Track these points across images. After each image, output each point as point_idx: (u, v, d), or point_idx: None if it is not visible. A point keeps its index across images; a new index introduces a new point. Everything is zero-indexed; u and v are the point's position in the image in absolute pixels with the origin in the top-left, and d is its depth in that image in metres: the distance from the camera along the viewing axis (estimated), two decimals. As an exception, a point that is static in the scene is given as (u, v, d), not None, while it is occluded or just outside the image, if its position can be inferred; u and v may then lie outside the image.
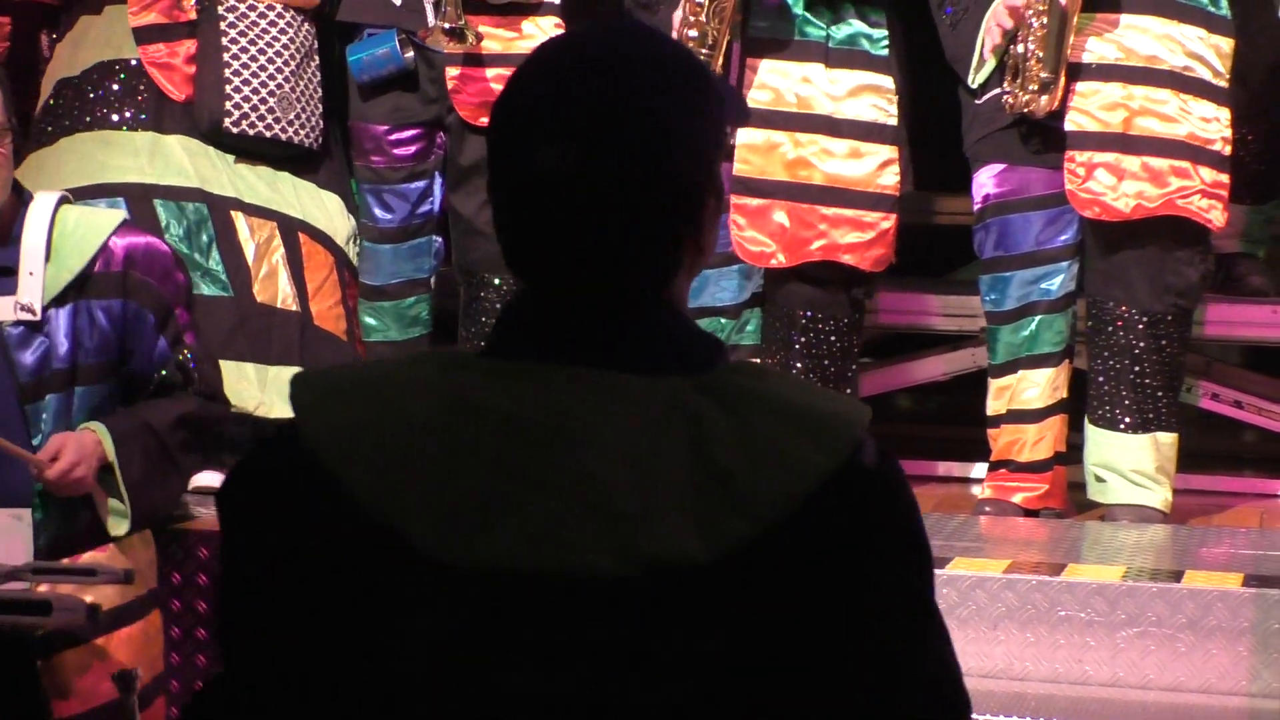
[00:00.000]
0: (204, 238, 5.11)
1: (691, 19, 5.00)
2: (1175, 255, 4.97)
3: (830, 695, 1.87)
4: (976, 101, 5.06)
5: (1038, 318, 5.05)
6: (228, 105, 5.14)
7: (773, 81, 5.11)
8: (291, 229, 5.18)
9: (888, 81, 5.14)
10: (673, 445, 1.83)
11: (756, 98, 5.10)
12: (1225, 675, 4.33)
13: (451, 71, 5.11)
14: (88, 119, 5.18)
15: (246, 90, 5.16)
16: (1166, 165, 4.90)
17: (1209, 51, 4.95)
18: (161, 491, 3.84)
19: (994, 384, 5.18)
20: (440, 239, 5.38)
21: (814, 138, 5.10)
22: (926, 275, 5.94)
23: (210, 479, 4.51)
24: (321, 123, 5.31)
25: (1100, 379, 5.05)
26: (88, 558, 3.79)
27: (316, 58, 5.31)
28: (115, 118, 5.18)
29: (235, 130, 5.15)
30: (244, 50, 5.17)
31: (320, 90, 5.33)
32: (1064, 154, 4.95)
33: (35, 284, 3.81)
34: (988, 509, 5.19)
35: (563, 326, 1.92)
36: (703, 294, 5.16)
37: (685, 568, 1.79)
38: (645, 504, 1.81)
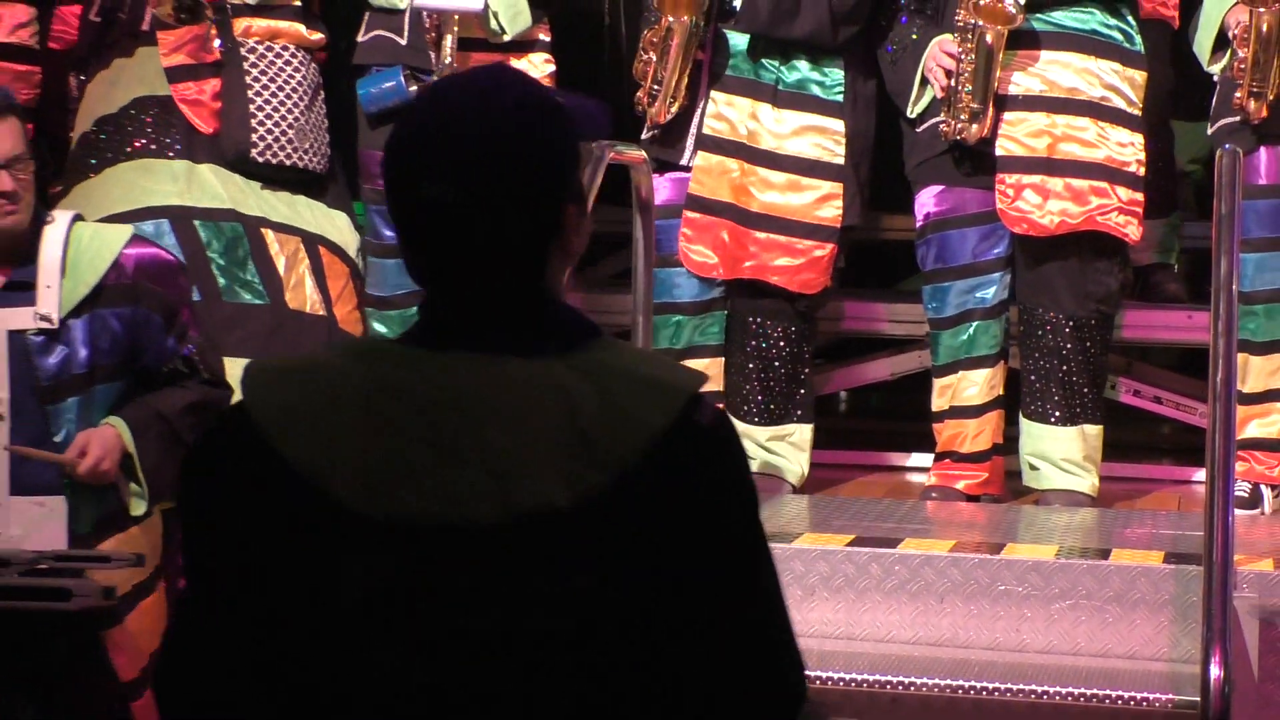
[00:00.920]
0: (240, 252, 5.11)
1: (648, 57, 5.07)
2: (1096, 266, 5.00)
3: (679, 623, 1.99)
4: (915, 130, 5.09)
5: (975, 324, 5.08)
6: (254, 138, 5.16)
7: (728, 114, 5.14)
8: (313, 243, 5.20)
9: (836, 124, 5.14)
10: (545, 413, 1.97)
11: (714, 125, 5.14)
12: (1149, 643, 4.34)
13: None
14: (128, 149, 5.17)
15: (269, 124, 5.18)
16: (1087, 185, 4.93)
17: (1124, 84, 4.98)
18: (174, 473, 3.83)
19: (937, 383, 5.22)
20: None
21: (755, 169, 5.12)
22: (877, 285, 5.92)
23: None
24: (329, 150, 5.31)
25: (1032, 378, 5.09)
26: (104, 546, 3.79)
27: (322, 92, 5.31)
28: (153, 148, 5.17)
29: (260, 159, 5.17)
30: (265, 88, 5.19)
31: (326, 120, 5.33)
32: (995, 176, 4.96)
33: (53, 296, 3.80)
34: (934, 495, 5.22)
35: (458, 322, 2.07)
36: (662, 292, 5.15)
37: (551, 514, 1.92)
38: (521, 463, 1.95)
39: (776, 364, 5.16)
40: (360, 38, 5.34)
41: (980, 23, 4.85)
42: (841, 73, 5.15)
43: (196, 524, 2.11)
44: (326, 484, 1.99)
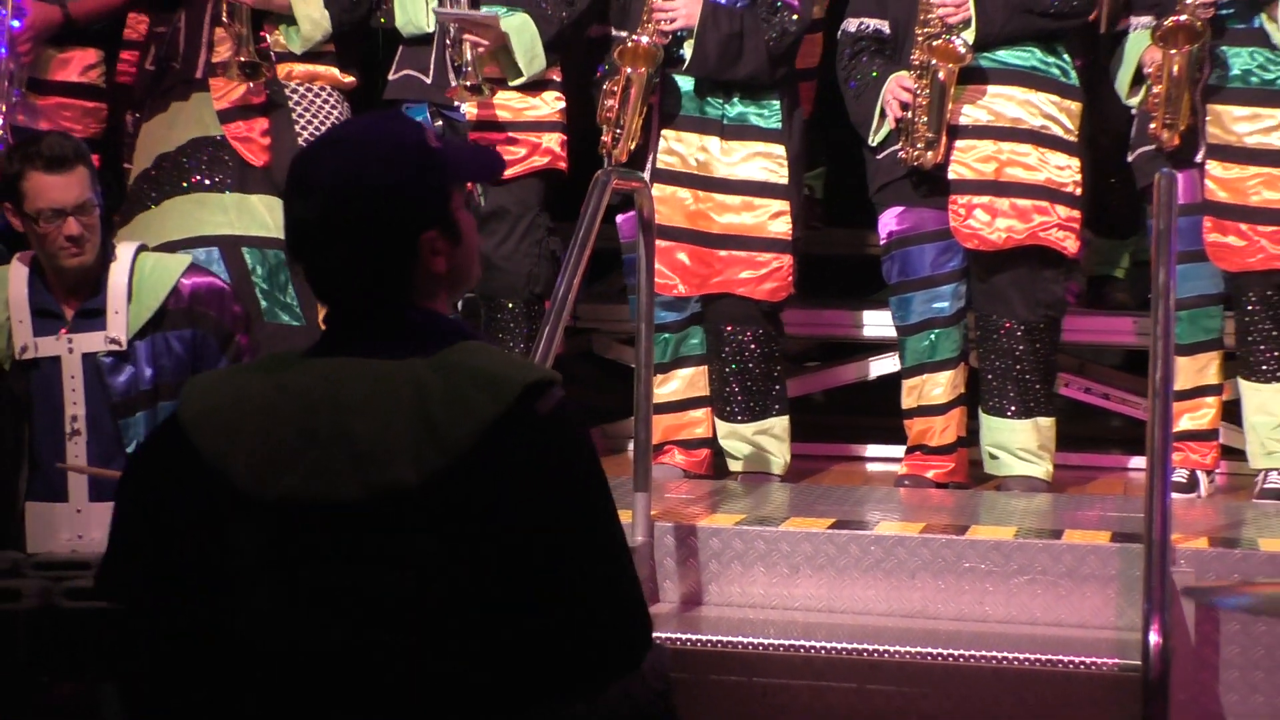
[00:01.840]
0: (281, 278, 5.13)
1: (610, 102, 5.07)
2: (1043, 276, 5.01)
3: (523, 583, 2.04)
4: (877, 158, 5.09)
5: (936, 331, 5.10)
6: None
7: (678, 149, 5.15)
8: None
9: (778, 149, 5.13)
10: (399, 405, 2.03)
11: (666, 160, 5.15)
12: (1097, 613, 4.35)
13: (472, 134, 5.09)
14: (184, 184, 5.18)
15: None
16: (1030, 205, 4.94)
17: (1062, 114, 4.99)
18: None
19: (906, 384, 5.22)
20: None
21: (710, 195, 5.12)
22: (854, 296, 5.91)
23: None
24: None
25: (990, 377, 5.09)
26: None
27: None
28: (208, 182, 5.18)
29: None
30: (309, 124, 5.22)
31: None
32: (949, 197, 4.97)
33: (120, 320, 3.81)
34: (906, 483, 5.23)
35: (337, 332, 2.16)
36: (664, 317, 5.16)
37: (403, 491, 2.00)
38: (380, 449, 2.02)
39: (751, 365, 5.16)
40: (391, 76, 5.34)
41: (934, 61, 4.87)
42: (778, 104, 5.14)
43: (127, 509, 2.22)
44: (228, 471, 2.07)
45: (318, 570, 2.05)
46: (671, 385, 5.26)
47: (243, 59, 5.07)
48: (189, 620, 2.11)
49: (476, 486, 2.03)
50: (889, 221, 5.09)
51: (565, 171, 5.26)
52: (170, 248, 4.49)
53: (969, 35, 4.87)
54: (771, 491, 5.09)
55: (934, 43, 4.86)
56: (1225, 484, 5.13)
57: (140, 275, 3.85)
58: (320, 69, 5.26)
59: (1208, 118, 4.87)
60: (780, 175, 5.11)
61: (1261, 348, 4.93)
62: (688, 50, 5.02)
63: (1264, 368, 4.94)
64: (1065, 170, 4.95)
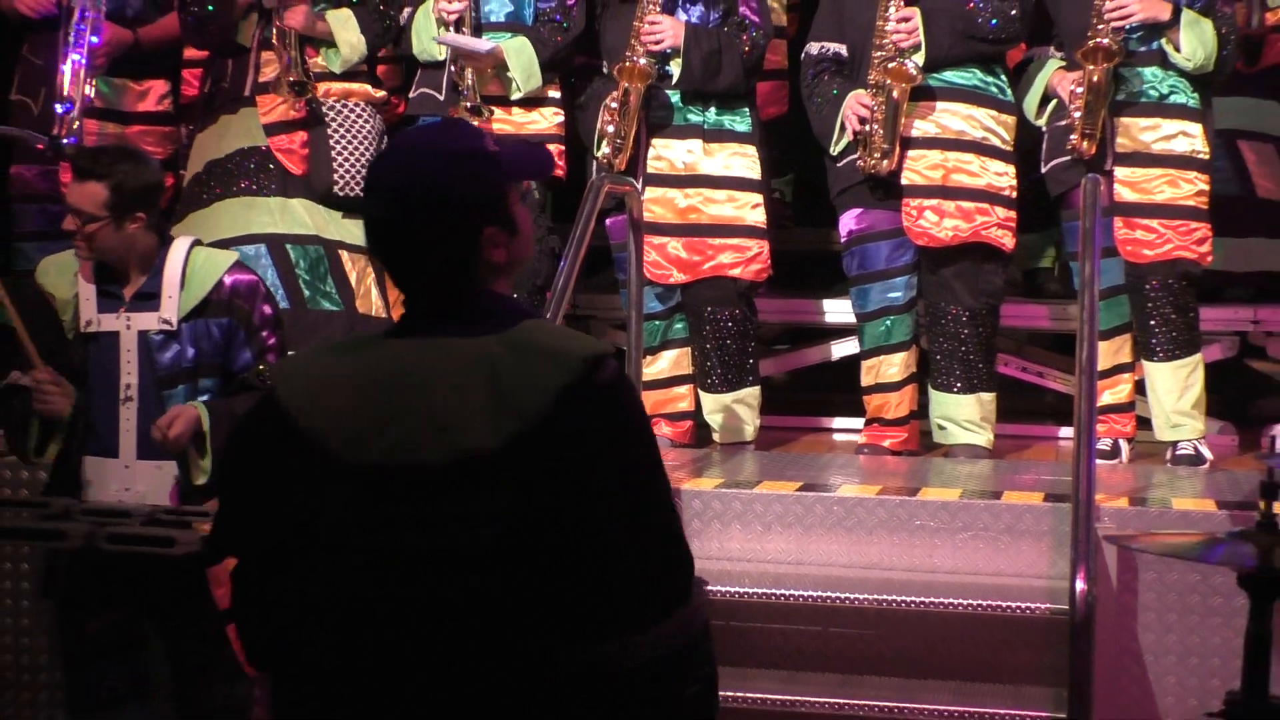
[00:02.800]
0: (321, 269, 5.13)
1: (609, 116, 5.04)
2: (984, 269, 5.02)
3: (592, 529, 2.06)
4: (837, 165, 5.10)
5: (891, 318, 5.11)
6: (335, 177, 5.16)
7: (665, 154, 5.14)
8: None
9: (751, 149, 5.14)
10: (477, 379, 2.03)
11: (656, 165, 5.14)
12: (1032, 564, 4.36)
13: None
14: (234, 189, 5.18)
15: (346, 165, 5.18)
16: (973, 207, 4.95)
17: (1000, 127, 5.01)
18: None
19: (864, 364, 5.23)
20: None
21: (699, 190, 5.11)
22: (819, 287, 5.92)
23: None
24: None
25: (938, 357, 5.12)
26: (211, 504, 3.70)
27: (386, 136, 5.29)
28: (254, 188, 5.17)
29: (340, 194, 5.17)
30: (342, 138, 5.20)
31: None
32: (901, 200, 4.97)
33: (172, 304, 3.77)
34: (865, 451, 5.25)
35: (414, 316, 2.15)
36: (651, 304, 5.15)
37: (481, 454, 2.00)
38: (460, 418, 2.02)
39: (729, 341, 5.15)
40: (411, 94, 5.35)
41: (889, 81, 4.88)
42: (747, 110, 5.15)
43: (234, 477, 2.23)
44: (325, 441, 2.08)
45: (405, 526, 2.05)
46: (659, 365, 5.27)
47: (292, 79, 5.08)
48: (292, 570, 2.12)
49: (547, 448, 2.03)
50: (848, 222, 5.11)
51: (563, 178, 5.26)
52: (223, 244, 4.47)
53: (919, 58, 4.88)
54: (746, 459, 5.12)
55: (889, 65, 4.87)
56: (1138, 450, 5.14)
57: (192, 267, 3.82)
58: (355, 86, 5.25)
59: (1116, 130, 4.88)
60: (755, 171, 5.12)
61: (1162, 330, 4.94)
62: (674, 67, 5.01)
63: (1165, 347, 4.95)
64: (1003, 176, 4.97)
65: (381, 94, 5.34)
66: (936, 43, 4.88)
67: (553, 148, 5.20)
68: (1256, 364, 5.30)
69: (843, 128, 4.99)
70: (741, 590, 4.15)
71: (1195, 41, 4.75)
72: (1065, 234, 5.07)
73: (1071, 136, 4.85)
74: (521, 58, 5.10)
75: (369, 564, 2.07)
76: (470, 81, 5.09)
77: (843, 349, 5.68)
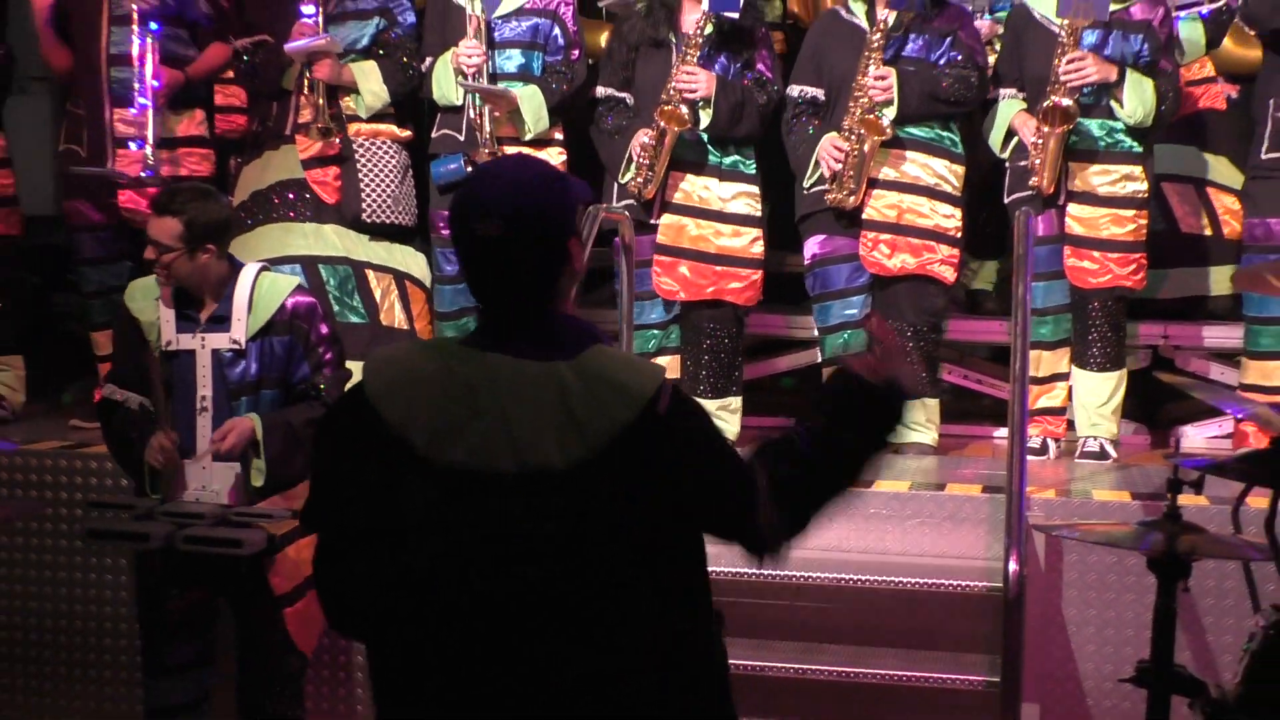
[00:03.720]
0: (349, 286, 5.12)
1: (642, 153, 5.02)
2: (928, 291, 5.03)
3: (646, 565, 2.06)
4: (805, 193, 5.08)
5: (848, 331, 5.11)
6: (362, 205, 5.16)
7: (685, 187, 5.09)
8: (401, 278, 5.19)
9: (756, 189, 5.12)
10: (550, 400, 2.00)
11: (675, 196, 5.09)
12: (971, 547, 4.39)
13: None
14: (274, 215, 5.18)
15: (373, 195, 5.18)
16: (920, 244, 4.97)
17: (950, 175, 5.01)
18: (291, 464, 3.75)
19: (825, 372, 5.17)
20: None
21: (710, 223, 5.09)
22: (786, 303, 5.92)
23: None
24: (415, 211, 5.30)
25: (889, 366, 5.08)
26: (269, 503, 3.75)
27: (410, 170, 5.29)
28: (292, 214, 5.17)
29: (368, 220, 5.17)
30: (370, 171, 5.20)
31: (414, 189, 5.31)
32: (860, 231, 4.99)
33: (241, 326, 3.77)
34: (825, 448, 5.20)
35: (497, 331, 2.10)
36: (641, 316, 5.14)
37: (550, 471, 1.98)
38: (532, 434, 1.99)
39: (721, 355, 5.14)
40: (433, 134, 5.33)
41: (863, 131, 4.88)
42: (753, 152, 5.15)
43: (321, 460, 2.18)
44: (406, 435, 2.04)
45: (476, 523, 2.02)
46: (655, 368, 5.26)
47: (320, 125, 5.10)
48: (373, 549, 2.08)
49: (615, 476, 2.01)
50: (812, 246, 5.10)
51: None
52: (268, 264, 4.49)
53: (890, 113, 4.87)
54: (723, 454, 5.13)
55: (866, 116, 4.86)
56: (1062, 449, 5.16)
57: (259, 292, 3.82)
58: (382, 127, 5.23)
59: (1071, 172, 4.89)
60: (757, 210, 5.11)
61: (1098, 346, 4.98)
62: (704, 116, 4.97)
63: (1098, 360, 5.00)
64: (950, 218, 4.98)
65: (406, 133, 5.32)
66: (906, 101, 4.87)
67: None
68: (1166, 375, 5.32)
69: (817, 165, 4.99)
70: (718, 569, 4.10)
71: (1136, 100, 4.79)
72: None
73: (1033, 179, 4.87)
74: (533, 103, 5.11)
75: (445, 552, 2.04)
76: (488, 127, 5.09)
77: (806, 358, 5.67)
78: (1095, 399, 5.01)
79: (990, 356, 5.86)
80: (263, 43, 5.24)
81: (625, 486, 2.02)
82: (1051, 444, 5.10)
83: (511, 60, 5.17)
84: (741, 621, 4.19)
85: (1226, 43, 5.46)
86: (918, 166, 4.97)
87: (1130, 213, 4.89)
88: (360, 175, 5.18)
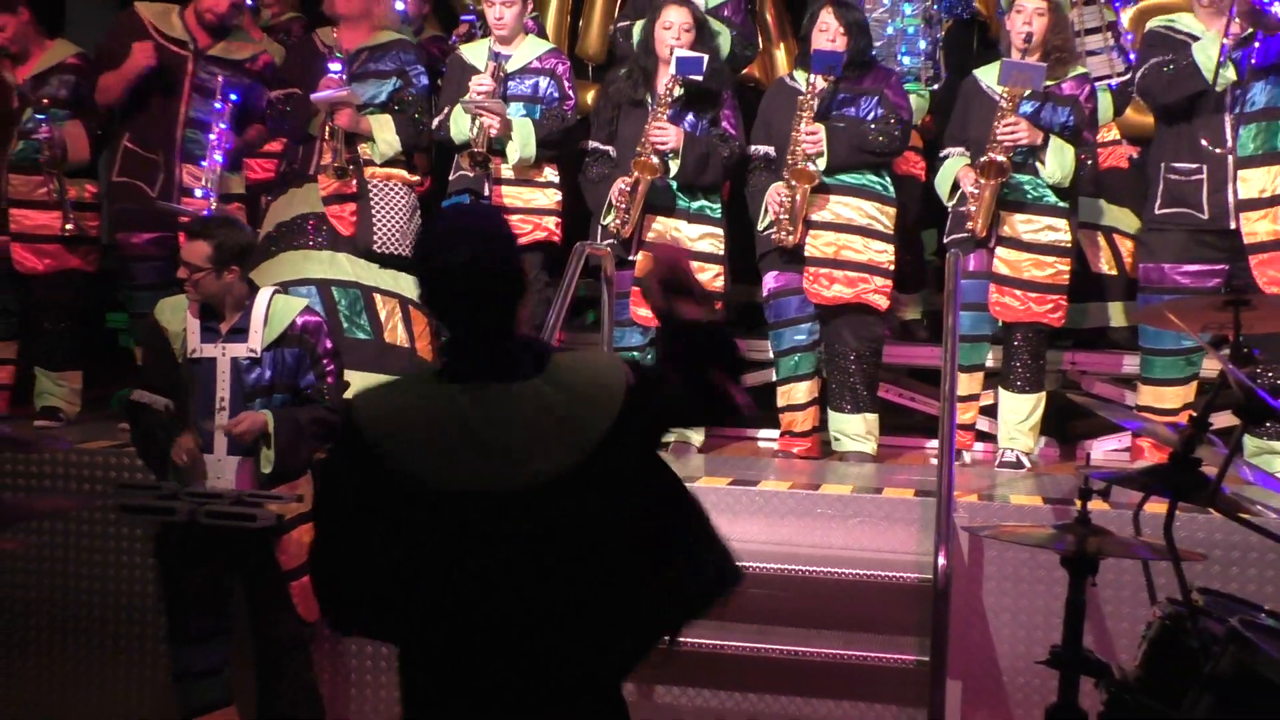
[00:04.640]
0: (358, 307, 5.07)
1: (619, 197, 5.01)
2: (867, 320, 5.02)
3: (641, 534, 2.01)
4: (759, 234, 5.06)
5: (799, 354, 5.11)
6: (374, 238, 5.14)
7: (658, 228, 5.07)
8: (405, 303, 5.14)
9: (720, 231, 5.11)
10: (536, 416, 1.95)
11: (650, 236, 5.06)
12: (905, 544, 4.37)
13: None
14: (295, 243, 5.14)
15: (383, 229, 5.14)
16: (856, 276, 4.95)
17: (881, 215, 5.01)
18: (298, 455, 3.78)
19: (779, 390, 5.22)
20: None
21: None
22: (746, 329, 5.89)
23: None
24: None
25: (833, 385, 5.11)
26: (281, 489, 3.77)
27: (419, 210, 5.25)
28: (310, 244, 5.14)
29: (378, 250, 5.14)
30: (381, 209, 5.17)
31: (421, 226, 5.28)
32: (804, 268, 4.97)
33: (257, 338, 3.81)
34: (779, 455, 5.22)
35: (465, 357, 2.03)
36: (621, 340, 5.12)
37: (550, 479, 1.93)
38: (528, 448, 1.94)
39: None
40: (450, 176, 5.32)
41: (795, 181, 4.90)
42: (718, 198, 5.14)
43: (327, 488, 2.12)
44: (401, 463, 1.97)
45: (482, 542, 1.96)
46: (633, 386, 5.23)
47: (336, 165, 5.09)
48: (380, 569, 2.01)
49: (604, 471, 1.98)
50: (769, 281, 5.09)
51: (559, 243, 5.25)
52: (283, 285, 4.48)
53: (821, 163, 4.89)
54: (692, 459, 5.10)
55: (798, 166, 4.88)
56: (977, 459, 5.16)
57: (273, 309, 3.85)
58: (394, 170, 5.21)
59: (1002, 219, 4.90)
60: (720, 249, 5.10)
61: (1019, 371, 4.98)
62: (673, 165, 4.98)
63: (1019, 383, 4.99)
64: (882, 253, 4.97)
65: (415, 178, 5.30)
66: (835, 153, 4.89)
67: (551, 220, 5.22)
68: (1074, 395, 5.33)
69: (767, 211, 4.99)
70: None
71: (1056, 164, 4.82)
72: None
73: (968, 223, 4.88)
74: (523, 131, 5.11)
75: (459, 569, 1.98)
76: (482, 143, 5.07)
77: (764, 377, 5.65)
78: (1016, 416, 5.00)
79: (922, 378, 5.84)
80: (293, 94, 5.26)
81: (624, 461, 1.99)
82: (965, 454, 5.09)
83: (516, 111, 5.18)
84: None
85: (1129, 111, 5.50)
86: (850, 209, 4.96)
87: (1051, 258, 4.88)
88: (374, 211, 5.15)
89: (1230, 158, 4.73)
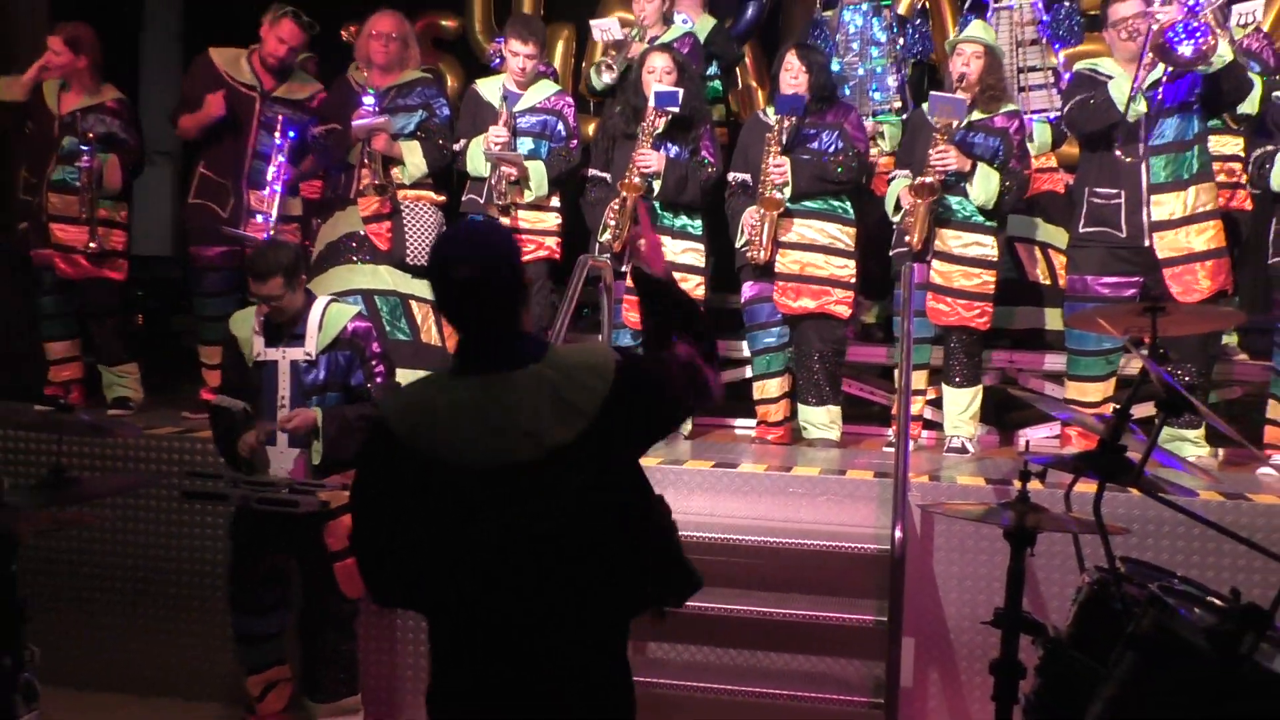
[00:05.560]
0: (398, 313, 5.07)
1: (611, 215, 4.99)
2: (829, 324, 5.00)
3: (628, 498, 2.01)
4: (738, 250, 5.05)
5: (771, 354, 5.09)
6: (407, 251, 5.14)
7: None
8: (436, 308, 5.13)
9: (700, 246, 5.10)
10: (541, 394, 1.93)
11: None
12: (866, 519, 4.34)
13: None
14: (342, 259, 5.14)
15: (415, 244, 5.14)
16: (819, 289, 4.94)
17: (842, 235, 4.98)
18: (345, 447, 3.74)
19: (755, 385, 5.21)
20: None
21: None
22: (726, 332, 5.88)
23: None
24: None
25: (801, 381, 5.10)
26: (334, 479, 3.74)
27: (445, 226, 5.25)
28: (355, 260, 5.13)
29: (410, 262, 5.14)
30: (412, 227, 5.18)
31: (434, 241, 5.29)
32: (776, 281, 4.96)
33: (313, 343, 3.81)
34: (755, 442, 5.20)
35: (482, 356, 2.01)
36: (616, 340, 5.08)
37: (559, 448, 1.90)
38: (537, 424, 1.92)
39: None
40: (462, 199, 5.30)
41: (763, 209, 4.89)
42: (699, 217, 5.12)
43: (364, 477, 2.09)
44: (424, 447, 1.97)
45: (508, 509, 1.96)
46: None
47: (377, 183, 5.09)
48: (415, 544, 2.01)
49: (604, 434, 1.96)
50: (746, 290, 5.07)
51: (559, 260, 5.25)
52: (334, 296, 4.46)
53: (787, 191, 4.89)
54: (680, 445, 5.08)
55: (766, 195, 4.88)
56: (933, 445, 5.15)
57: (327, 317, 3.85)
58: (423, 192, 5.22)
59: (936, 235, 4.90)
60: (701, 261, 5.08)
61: (957, 368, 4.98)
62: (656, 185, 4.98)
63: (958, 379, 4.98)
64: (844, 268, 4.95)
65: (441, 198, 5.29)
66: (798, 183, 4.88)
67: (552, 240, 5.20)
68: (1013, 390, 5.32)
69: (743, 231, 4.98)
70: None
71: (981, 188, 4.82)
72: (896, 298, 5.08)
73: (907, 236, 4.86)
74: (538, 173, 5.13)
75: (482, 537, 1.97)
76: (504, 187, 5.09)
77: (741, 373, 5.64)
78: (957, 408, 4.99)
79: (881, 374, 5.83)
80: (333, 129, 5.26)
81: (619, 433, 1.98)
82: (914, 441, 5.08)
83: (525, 145, 5.18)
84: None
85: (1065, 144, 5.49)
86: (814, 230, 4.95)
87: (977, 270, 4.87)
88: (406, 229, 5.16)
89: (1144, 184, 4.73)
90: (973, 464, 4.78)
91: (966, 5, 5.74)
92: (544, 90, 5.26)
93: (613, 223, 5.01)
